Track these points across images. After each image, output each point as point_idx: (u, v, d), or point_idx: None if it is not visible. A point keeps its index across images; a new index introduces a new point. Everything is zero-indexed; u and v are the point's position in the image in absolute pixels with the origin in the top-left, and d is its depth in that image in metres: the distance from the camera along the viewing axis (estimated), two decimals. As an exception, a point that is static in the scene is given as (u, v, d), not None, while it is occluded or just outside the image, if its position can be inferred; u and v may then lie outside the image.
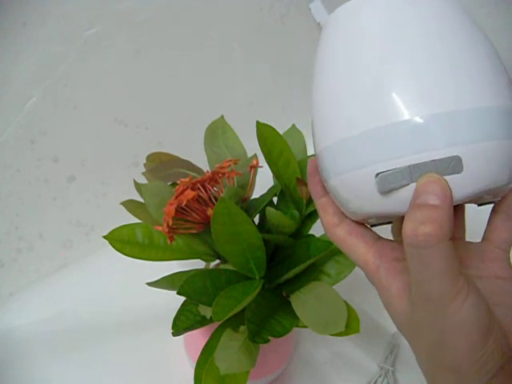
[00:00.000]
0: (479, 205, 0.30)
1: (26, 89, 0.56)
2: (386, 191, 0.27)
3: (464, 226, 0.33)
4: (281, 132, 0.46)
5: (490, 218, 0.31)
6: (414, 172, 0.26)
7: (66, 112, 0.59)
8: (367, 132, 0.27)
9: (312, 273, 0.42)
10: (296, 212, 0.45)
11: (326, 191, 0.32)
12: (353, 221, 0.31)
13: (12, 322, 0.59)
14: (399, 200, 0.27)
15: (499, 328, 0.27)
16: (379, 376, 0.50)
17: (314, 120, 0.31)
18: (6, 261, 0.62)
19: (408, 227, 0.26)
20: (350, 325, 0.40)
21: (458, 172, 0.26)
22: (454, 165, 0.26)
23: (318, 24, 0.67)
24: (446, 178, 0.26)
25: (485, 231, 0.31)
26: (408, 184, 0.26)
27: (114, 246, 0.45)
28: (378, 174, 0.27)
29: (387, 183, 0.27)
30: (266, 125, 0.44)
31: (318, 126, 0.30)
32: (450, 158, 0.26)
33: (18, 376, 0.54)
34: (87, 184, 0.65)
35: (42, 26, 0.54)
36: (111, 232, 0.45)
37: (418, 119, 0.26)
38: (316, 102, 0.31)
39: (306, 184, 0.43)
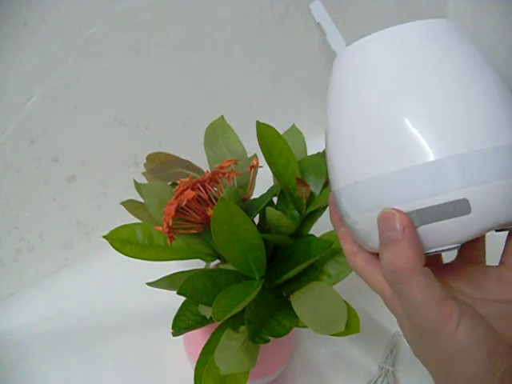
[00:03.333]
0: (497, 230, 0.30)
1: (26, 89, 0.56)
2: None
3: (484, 251, 0.33)
4: (281, 132, 0.46)
5: (506, 242, 0.31)
6: (423, 216, 0.27)
7: (66, 112, 0.59)
8: (380, 176, 0.28)
9: (312, 273, 0.42)
10: (296, 212, 0.45)
11: None
12: (370, 252, 0.32)
13: (12, 322, 0.59)
14: None
15: (508, 350, 0.26)
16: (379, 376, 0.50)
17: (332, 157, 0.31)
18: (6, 261, 0.62)
19: (382, 268, 0.27)
20: (350, 325, 0.40)
21: (467, 213, 0.27)
22: (461, 207, 0.26)
23: (318, 24, 0.67)
24: (456, 219, 0.27)
25: (501, 255, 0.31)
26: (418, 226, 0.27)
27: (113, 246, 0.45)
28: None
29: None
30: (266, 125, 0.44)
31: (336, 164, 0.31)
32: (457, 201, 0.26)
33: (18, 376, 0.54)
34: (87, 184, 0.65)
35: (41, 26, 0.54)
36: (111, 232, 0.45)
37: (432, 163, 0.26)
38: (333, 140, 0.31)
39: (306, 184, 0.43)
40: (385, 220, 0.27)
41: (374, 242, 0.29)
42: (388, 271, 0.27)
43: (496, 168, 0.27)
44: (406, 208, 0.27)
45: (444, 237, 0.28)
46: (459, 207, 0.27)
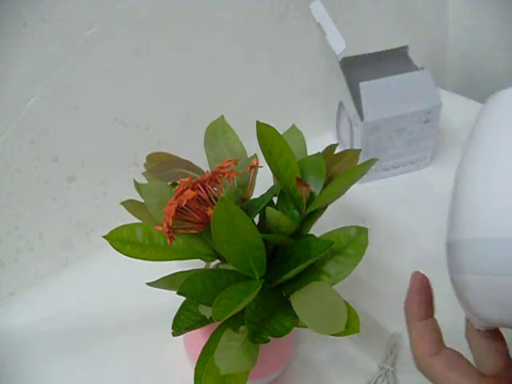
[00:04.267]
0: None
1: (26, 89, 0.56)
2: None
3: None
4: (281, 132, 0.46)
5: None
6: None
7: (66, 112, 0.59)
8: None
9: (312, 273, 0.42)
10: (296, 212, 0.45)
11: (428, 314, 0.29)
12: (451, 352, 0.28)
13: (12, 322, 0.59)
14: None
15: None
16: (379, 376, 0.50)
17: (463, 199, 0.27)
18: (6, 261, 0.62)
19: None
20: (350, 325, 0.40)
21: None
22: None
23: (318, 24, 0.67)
24: None
25: None
26: None
27: (113, 246, 0.45)
28: None
29: None
30: (266, 125, 0.44)
31: (473, 209, 0.26)
32: None
33: (18, 376, 0.54)
34: (87, 184, 0.65)
35: (41, 26, 0.54)
36: (111, 232, 0.45)
37: None
38: (472, 181, 0.27)
39: (306, 184, 0.43)
40: None
41: (500, 310, 0.25)
42: None
43: None
44: None
45: None
46: None
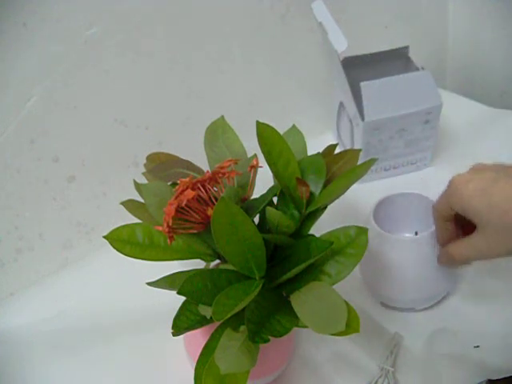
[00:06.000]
0: None
1: (26, 89, 0.56)
2: None
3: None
4: (281, 132, 0.46)
5: None
6: None
7: (66, 112, 0.59)
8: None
9: (312, 273, 0.42)
10: (296, 212, 0.45)
11: None
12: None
13: (12, 322, 0.59)
14: None
15: None
16: (379, 377, 0.50)
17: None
18: (6, 261, 0.62)
19: None
20: (350, 324, 0.40)
21: None
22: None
23: (320, 23, 0.67)
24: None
25: None
26: None
27: (114, 246, 0.45)
28: None
29: None
30: (266, 125, 0.44)
31: None
32: None
33: (18, 376, 0.54)
34: (87, 184, 0.65)
35: (42, 26, 0.54)
36: (111, 232, 0.45)
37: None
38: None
39: (305, 184, 0.43)
40: None
41: None
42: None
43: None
44: None
45: None
46: None
